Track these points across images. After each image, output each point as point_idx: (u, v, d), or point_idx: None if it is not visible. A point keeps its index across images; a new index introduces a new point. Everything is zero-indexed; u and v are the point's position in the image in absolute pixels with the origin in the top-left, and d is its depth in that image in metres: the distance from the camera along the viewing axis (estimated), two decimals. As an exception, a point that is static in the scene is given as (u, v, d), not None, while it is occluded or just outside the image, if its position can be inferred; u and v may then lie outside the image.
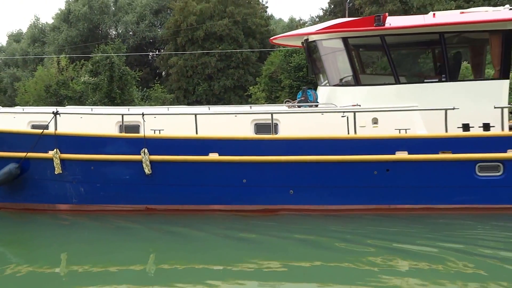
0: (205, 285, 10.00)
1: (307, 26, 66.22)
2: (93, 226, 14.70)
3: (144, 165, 15.07)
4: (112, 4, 70.11)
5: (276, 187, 15.02)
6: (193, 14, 64.48)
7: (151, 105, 54.19)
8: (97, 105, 48.07)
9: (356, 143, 14.64)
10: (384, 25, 15.06)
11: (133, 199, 15.60)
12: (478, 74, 16.51)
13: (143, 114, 15.70)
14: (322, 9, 69.75)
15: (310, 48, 16.98)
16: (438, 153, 14.39)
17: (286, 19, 73.40)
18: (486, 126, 14.76)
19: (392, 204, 14.76)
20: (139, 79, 59.16)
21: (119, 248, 12.82)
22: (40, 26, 72.70)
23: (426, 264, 10.77)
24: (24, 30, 76.77)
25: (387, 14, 15.30)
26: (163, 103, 58.43)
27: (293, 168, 14.83)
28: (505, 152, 14.19)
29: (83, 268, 11.31)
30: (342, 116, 14.87)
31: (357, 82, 15.89)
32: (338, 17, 62.92)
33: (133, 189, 15.45)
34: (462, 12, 15.86)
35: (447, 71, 15.42)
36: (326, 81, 16.93)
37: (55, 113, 15.71)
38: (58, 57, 58.94)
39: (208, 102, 61.69)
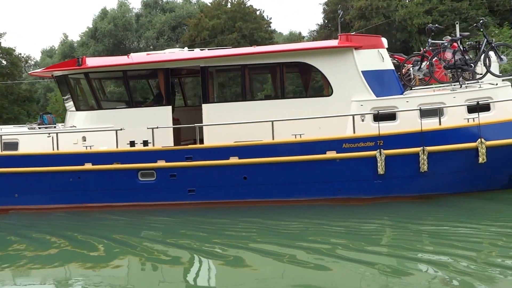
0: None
1: (306, 40, 69.80)
2: None
3: None
4: (134, 22, 76.46)
5: (7, 192, 18.59)
6: (206, 29, 69.14)
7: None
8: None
9: (55, 157, 18.25)
10: (81, 65, 18.89)
11: None
12: (155, 101, 19.92)
13: None
14: (318, 24, 72.69)
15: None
16: (112, 164, 18.21)
17: (286, 32, 76.62)
18: (145, 143, 18.31)
19: (84, 203, 18.35)
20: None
21: None
22: (70, 42, 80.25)
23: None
24: (56, 46, 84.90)
25: (85, 57, 19.39)
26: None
27: (16, 177, 18.51)
28: (156, 162, 17.92)
29: None
30: (48, 137, 18.71)
31: (77, 109, 19.60)
32: (332, 31, 66.29)
33: None
34: (148, 54, 19.98)
35: (131, 100, 19.46)
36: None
37: None
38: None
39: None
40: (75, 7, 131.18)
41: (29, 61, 74.57)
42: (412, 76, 18.22)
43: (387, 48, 18.44)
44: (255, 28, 69.70)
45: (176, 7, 77.70)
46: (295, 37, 75.39)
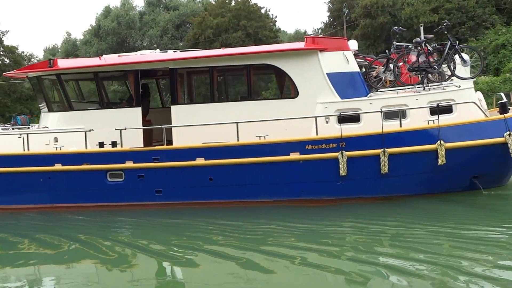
0: None
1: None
2: None
3: None
4: (138, 20, 77.36)
5: None
6: (210, 28, 69.80)
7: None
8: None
9: (26, 158, 18.88)
10: (53, 66, 19.46)
11: None
12: (128, 103, 20.52)
13: None
14: (323, 22, 73.14)
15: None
16: (82, 164, 18.88)
17: (291, 31, 77.24)
18: (114, 144, 18.74)
19: (54, 203, 18.94)
20: (163, 87, 65.57)
21: None
22: (73, 41, 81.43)
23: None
24: (59, 44, 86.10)
25: (57, 59, 19.98)
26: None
27: None
28: (124, 163, 18.50)
29: None
30: (19, 137, 19.23)
31: (49, 110, 20.28)
32: (337, 29, 66.68)
33: None
34: (120, 56, 20.52)
35: (102, 101, 20.03)
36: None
37: None
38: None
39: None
40: (78, 5, 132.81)
41: (32, 60, 75.29)
42: (383, 78, 18.52)
43: (356, 50, 18.84)
44: (260, 27, 70.23)
45: (180, 5, 78.56)
46: (300, 36, 75.77)
